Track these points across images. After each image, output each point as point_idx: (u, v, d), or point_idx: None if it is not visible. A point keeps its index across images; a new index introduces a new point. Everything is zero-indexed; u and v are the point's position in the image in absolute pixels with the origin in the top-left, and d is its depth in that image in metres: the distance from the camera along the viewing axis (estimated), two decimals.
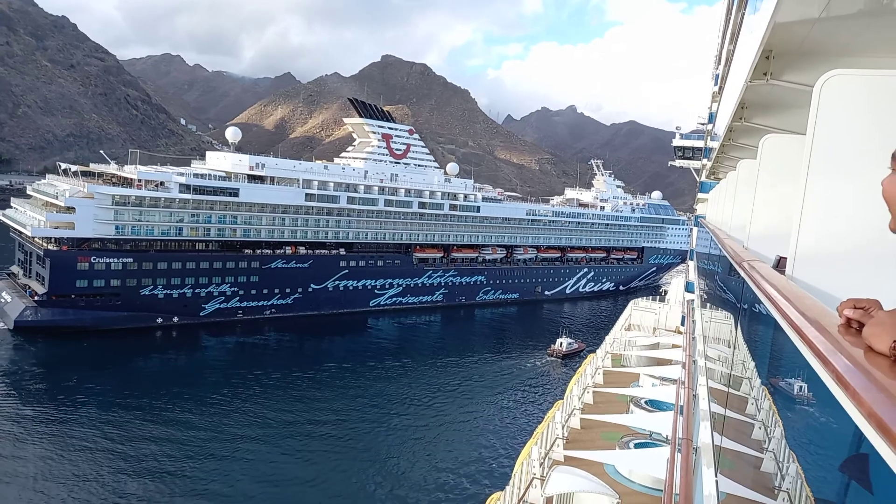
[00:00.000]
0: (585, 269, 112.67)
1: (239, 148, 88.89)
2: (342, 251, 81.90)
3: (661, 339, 35.92)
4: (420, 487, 37.54)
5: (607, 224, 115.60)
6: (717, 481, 4.67)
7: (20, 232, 67.04)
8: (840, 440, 1.54)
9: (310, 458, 40.53)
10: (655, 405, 22.58)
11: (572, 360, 65.84)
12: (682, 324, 33.15)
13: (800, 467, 2.45)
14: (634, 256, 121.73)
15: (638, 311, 44.04)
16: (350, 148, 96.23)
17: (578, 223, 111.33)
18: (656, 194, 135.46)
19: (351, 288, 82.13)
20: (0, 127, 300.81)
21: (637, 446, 19.71)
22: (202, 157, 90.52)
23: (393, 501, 36.03)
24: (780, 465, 3.10)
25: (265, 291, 74.19)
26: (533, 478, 16.79)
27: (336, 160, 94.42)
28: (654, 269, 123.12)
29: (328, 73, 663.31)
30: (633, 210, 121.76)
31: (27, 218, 65.64)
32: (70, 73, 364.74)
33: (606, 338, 40.81)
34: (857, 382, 1.26)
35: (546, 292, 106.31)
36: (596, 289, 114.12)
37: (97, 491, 34.17)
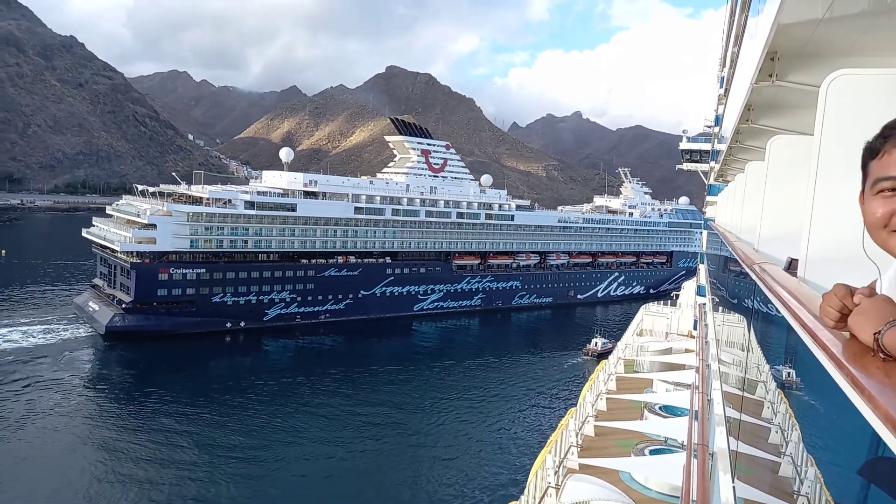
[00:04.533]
0: (616, 274, 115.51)
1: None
2: (388, 259, 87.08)
3: (674, 343, 35.71)
4: (442, 493, 37.68)
5: (636, 230, 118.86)
6: (734, 487, 4.63)
7: (104, 247, 73.79)
8: (857, 443, 1.52)
9: (344, 454, 42.10)
10: (670, 411, 22.39)
11: (607, 358, 67.44)
12: (695, 328, 32.96)
13: (818, 471, 2.42)
14: (664, 260, 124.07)
15: (650, 315, 43.77)
16: (391, 164, 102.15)
17: (608, 229, 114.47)
18: (683, 200, 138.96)
19: (396, 294, 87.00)
20: (10, 146, 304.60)
21: (652, 453, 19.54)
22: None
23: None
24: (799, 469, 3.07)
25: (320, 298, 79.53)
26: (548, 486, 16.68)
27: (379, 175, 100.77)
28: (684, 272, 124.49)
29: (333, 85, 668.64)
30: (661, 216, 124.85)
31: (113, 235, 72.23)
32: (79, 91, 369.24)
33: (619, 343, 40.65)
34: (872, 386, 1.25)
35: (579, 296, 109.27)
36: (627, 292, 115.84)
37: (172, 479, 36.92)
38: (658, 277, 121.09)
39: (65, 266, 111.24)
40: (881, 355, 1.40)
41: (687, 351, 30.78)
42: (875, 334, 1.43)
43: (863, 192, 1.79)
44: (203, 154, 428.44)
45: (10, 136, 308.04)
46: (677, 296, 48.71)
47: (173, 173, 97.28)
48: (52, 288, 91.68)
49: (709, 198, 29.93)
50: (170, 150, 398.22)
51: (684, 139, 59.19)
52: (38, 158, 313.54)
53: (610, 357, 35.17)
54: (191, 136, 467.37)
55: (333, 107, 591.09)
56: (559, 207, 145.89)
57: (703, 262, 30.23)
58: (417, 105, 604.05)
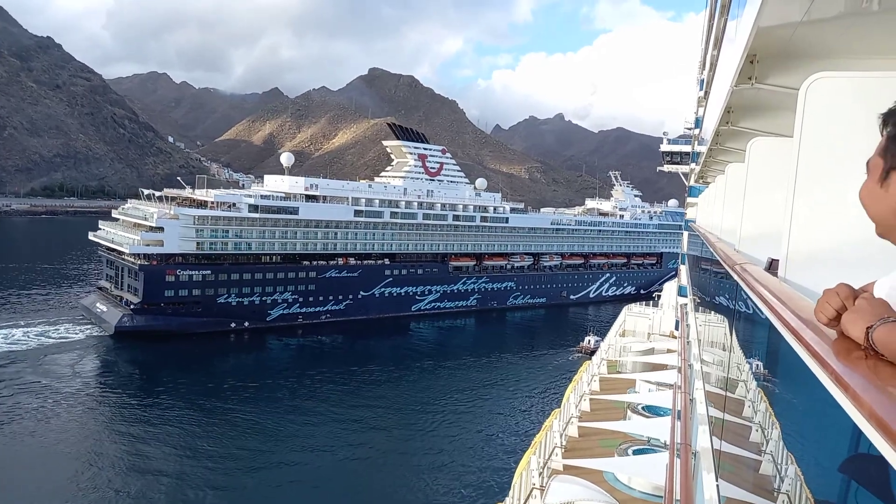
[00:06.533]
0: (608, 275, 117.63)
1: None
2: (386, 261, 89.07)
3: (656, 344, 35.95)
4: (430, 495, 37.79)
5: (627, 231, 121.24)
6: (717, 486, 4.66)
7: (111, 250, 75.35)
8: (838, 440, 1.54)
9: (337, 453, 42.70)
10: (652, 410, 22.55)
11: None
12: (676, 328, 33.23)
13: (798, 468, 2.44)
14: (654, 261, 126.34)
15: (632, 316, 44.04)
16: (389, 168, 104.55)
17: (600, 231, 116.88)
18: (672, 202, 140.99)
19: (395, 294, 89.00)
20: None
21: (636, 453, 19.65)
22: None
23: None
24: (779, 466, 3.10)
25: (321, 298, 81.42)
26: (532, 488, 16.70)
27: (377, 179, 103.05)
28: (673, 273, 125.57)
29: (316, 87, 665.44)
30: (651, 218, 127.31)
31: (121, 238, 73.61)
32: (56, 93, 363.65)
33: (601, 344, 40.88)
34: (856, 383, 1.25)
35: (571, 296, 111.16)
36: (618, 293, 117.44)
37: (176, 474, 37.81)
38: (648, 278, 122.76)
39: (57, 269, 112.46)
40: (870, 351, 1.41)
41: (669, 351, 31.01)
42: (867, 328, 1.44)
43: (883, 180, 1.65)
44: (184, 156, 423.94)
45: None
46: (659, 296, 49.08)
47: (178, 178, 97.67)
48: (51, 290, 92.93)
49: (689, 199, 30.20)
50: (149, 153, 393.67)
51: (665, 141, 59.78)
52: (14, 161, 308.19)
53: (593, 358, 35.32)
54: (171, 139, 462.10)
55: (316, 109, 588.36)
56: (542, 209, 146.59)
57: (684, 263, 30.51)
58: (400, 107, 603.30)
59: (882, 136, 1.66)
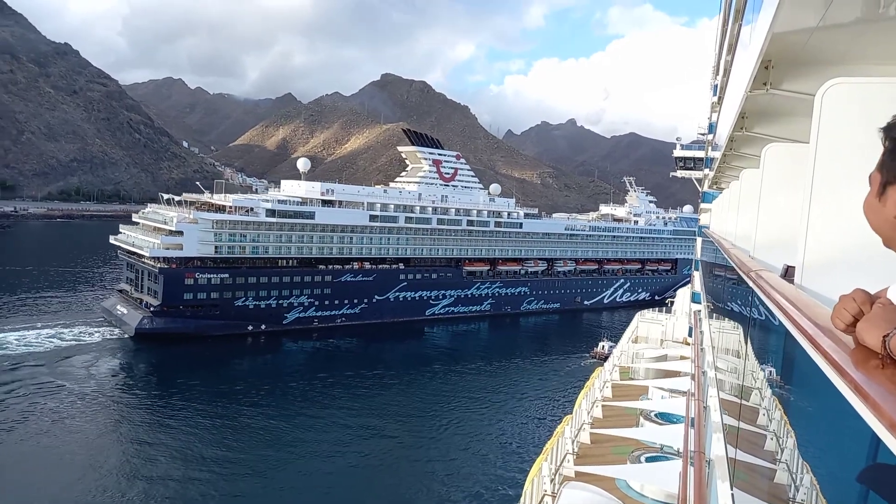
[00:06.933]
0: (622, 280, 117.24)
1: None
2: (401, 265, 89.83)
3: (669, 350, 35.71)
4: (443, 499, 37.84)
5: (641, 237, 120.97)
6: (732, 494, 4.62)
7: (132, 253, 76.56)
8: (855, 449, 1.52)
9: (348, 457, 42.90)
10: (665, 418, 22.40)
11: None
12: (690, 335, 33.00)
13: (814, 478, 2.42)
14: (668, 267, 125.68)
15: (644, 322, 43.77)
16: (403, 173, 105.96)
17: (614, 237, 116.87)
18: (687, 208, 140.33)
19: (409, 298, 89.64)
20: (4, 154, 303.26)
21: (648, 460, 19.51)
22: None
23: None
24: (794, 476, 3.07)
25: (336, 302, 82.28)
26: (544, 494, 16.62)
27: (392, 184, 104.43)
28: (688, 279, 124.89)
29: (329, 92, 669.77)
30: (665, 223, 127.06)
31: (141, 241, 75.18)
32: (73, 98, 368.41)
33: (614, 350, 40.71)
34: (876, 392, 1.25)
35: (585, 302, 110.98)
36: (632, 298, 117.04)
37: (191, 477, 38.13)
38: (663, 284, 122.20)
39: (73, 272, 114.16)
40: (887, 359, 1.40)
41: (682, 358, 30.77)
42: (884, 336, 1.44)
43: (880, 194, 1.64)
44: (198, 161, 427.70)
45: (4, 143, 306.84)
46: (672, 303, 48.76)
47: (197, 183, 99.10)
48: (67, 293, 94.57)
49: (703, 205, 30.03)
50: (164, 158, 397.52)
51: (678, 147, 59.45)
52: (31, 165, 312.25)
53: (605, 364, 35.12)
54: (185, 144, 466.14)
55: (328, 114, 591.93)
56: (555, 214, 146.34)
57: (697, 269, 30.29)
58: (412, 112, 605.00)
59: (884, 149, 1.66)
